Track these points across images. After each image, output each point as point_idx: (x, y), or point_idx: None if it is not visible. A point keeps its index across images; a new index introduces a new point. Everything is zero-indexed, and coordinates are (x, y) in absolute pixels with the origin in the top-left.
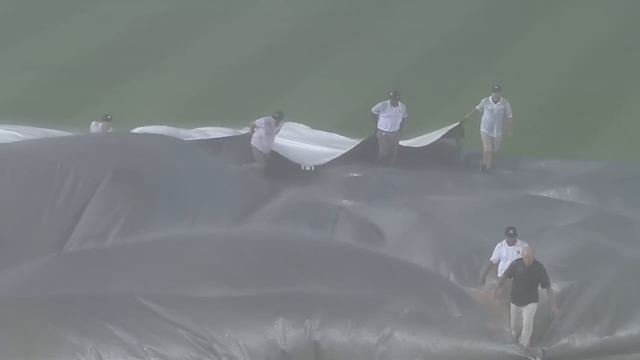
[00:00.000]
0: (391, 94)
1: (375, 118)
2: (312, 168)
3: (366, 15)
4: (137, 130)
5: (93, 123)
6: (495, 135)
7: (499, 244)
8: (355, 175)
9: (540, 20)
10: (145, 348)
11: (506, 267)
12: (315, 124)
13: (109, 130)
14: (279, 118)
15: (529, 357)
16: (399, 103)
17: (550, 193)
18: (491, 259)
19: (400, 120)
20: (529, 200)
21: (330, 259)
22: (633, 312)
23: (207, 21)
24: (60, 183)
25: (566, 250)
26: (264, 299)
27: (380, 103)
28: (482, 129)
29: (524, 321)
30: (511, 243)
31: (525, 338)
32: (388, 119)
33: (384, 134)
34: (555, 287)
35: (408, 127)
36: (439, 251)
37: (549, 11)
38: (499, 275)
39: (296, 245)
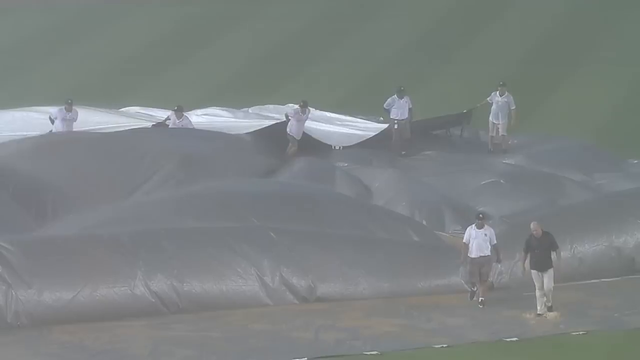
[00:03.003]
0: (397, 89)
1: (388, 111)
2: (341, 148)
3: (357, 16)
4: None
5: (171, 112)
6: (500, 122)
7: (469, 227)
8: (350, 147)
9: (494, 20)
10: (186, 279)
11: (474, 246)
12: (318, 103)
13: (179, 119)
14: (304, 106)
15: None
16: (404, 96)
17: (505, 160)
18: (464, 241)
19: (407, 109)
20: (483, 164)
21: (328, 205)
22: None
23: (234, 21)
24: (135, 159)
25: (510, 202)
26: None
27: (389, 98)
28: (489, 118)
29: (545, 284)
30: (480, 226)
31: (548, 297)
32: (397, 110)
33: (395, 122)
34: (497, 231)
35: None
36: (414, 203)
37: (503, 11)
38: (470, 252)
39: (302, 193)
